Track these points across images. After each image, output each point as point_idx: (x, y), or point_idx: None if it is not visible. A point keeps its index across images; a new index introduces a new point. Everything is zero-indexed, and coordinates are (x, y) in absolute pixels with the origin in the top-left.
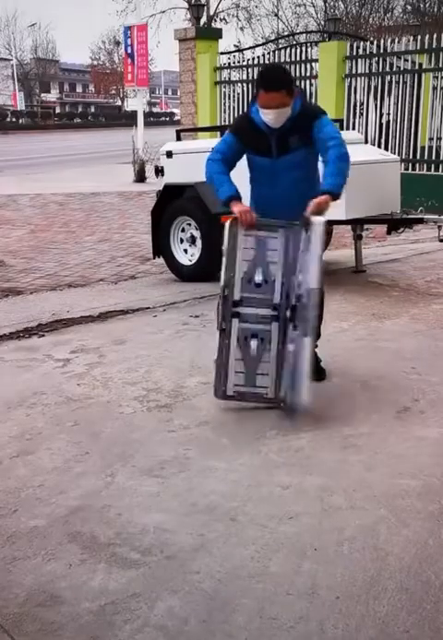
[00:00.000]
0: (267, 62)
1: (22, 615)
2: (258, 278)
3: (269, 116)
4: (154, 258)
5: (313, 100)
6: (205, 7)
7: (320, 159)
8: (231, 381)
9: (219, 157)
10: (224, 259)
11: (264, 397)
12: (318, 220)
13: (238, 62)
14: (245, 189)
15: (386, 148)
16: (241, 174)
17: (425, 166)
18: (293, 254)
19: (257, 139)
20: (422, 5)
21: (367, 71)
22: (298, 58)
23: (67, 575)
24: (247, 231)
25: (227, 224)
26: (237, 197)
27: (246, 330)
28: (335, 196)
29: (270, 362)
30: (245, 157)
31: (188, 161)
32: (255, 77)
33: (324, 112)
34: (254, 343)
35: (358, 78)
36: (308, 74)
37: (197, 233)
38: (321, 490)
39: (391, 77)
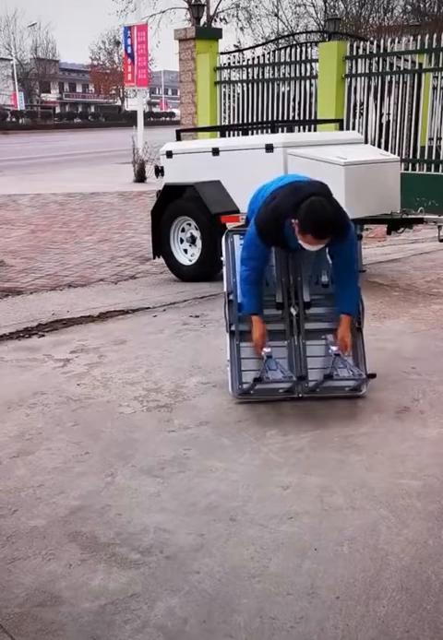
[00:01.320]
0: (267, 62)
1: (22, 615)
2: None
3: (311, 248)
4: (154, 258)
5: (313, 100)
6: (205, 7)
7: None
8: (244, 380)
9: (255, 265)
10: (224, 268)
11: (279, 391)
12: None
13: (238, 62)
14: (245, 189)
15: (386, 148)
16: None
17: (425, 166)
18: (295, 258)
19: (282, 244)
20: (422, 5)
21: (367, 71)
22: (298, 58)
23: (67, 575)
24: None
25: (224, 237)
26: (259, 314)
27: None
28: (353, 317)
29: (286, 358)
30: None
31: (188, 161)
32: (255, 78)
33: (349, 225)
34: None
35: (358, 78)
36: (308, 74)
37: (197, 233)
38: (321, 490)
39: (391, 77)
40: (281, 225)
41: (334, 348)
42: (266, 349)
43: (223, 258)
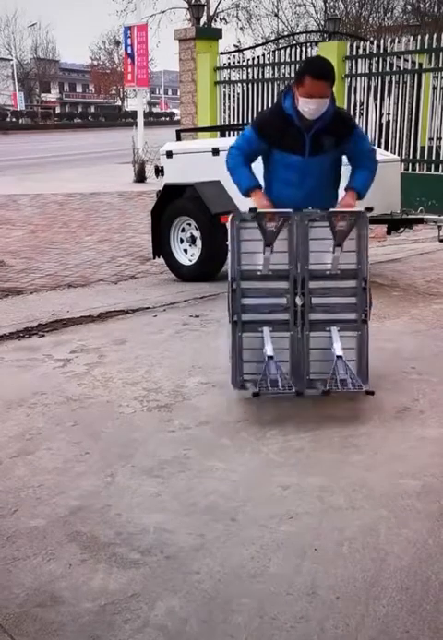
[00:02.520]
0: (267, 62)
1: (22, 615)
2: (265, 268)
3: (310, 105)
4: (154, 258)
5: None
6: (205, 7)
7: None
8: (245, 371)
9: (239, 153)
10: (229, 254)
11: (282, 386)
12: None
13: (238, 62)
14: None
15: (386, 148)
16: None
17: (425, 166)
18: (303, 244)
19: (289, 135)
20: (422, 5)
21: (367, 71)
22: (298, 58)
23: (67, 575)
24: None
25: (229, 219)
26: (258, 187)
27: (257, 321)
28: (360, 197)
29: (289, 350)
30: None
31: (188, 161)
32: (255, 78)
33: (352, 117)
34: (266, 331)
35: (358, 78)
36: None
37: (197, 233)
38: (321, 490)
39: (391, 77)
40: (281, 104)
41: (337, 346)
42: (268, 350)
43: (228, 242)
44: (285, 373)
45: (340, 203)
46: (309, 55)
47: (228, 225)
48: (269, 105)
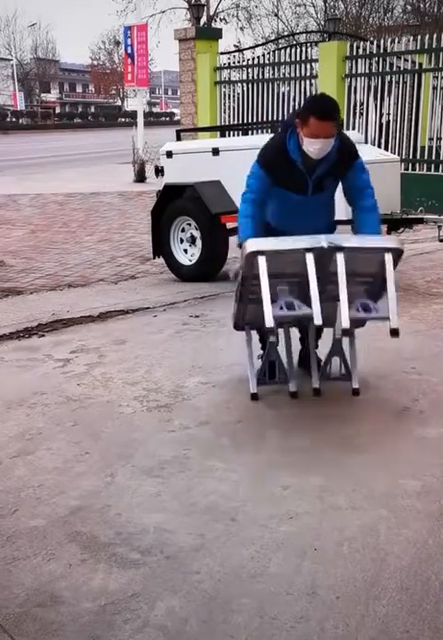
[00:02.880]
0: (267, 62)
1: (22, 615)
2: (286, 301)
3: (316, 145)
4: (154, 258)
5: None
6: (205, 7)
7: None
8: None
9: (254, 198)
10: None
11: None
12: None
13: (238, 62)
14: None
15: (386, 148)
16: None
17: (425, 166)
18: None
19: (292, 177)
20: (422, 5)
21: (367, 71)
22: (298, 58)
23: (67, 575)
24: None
25: (246, 253)
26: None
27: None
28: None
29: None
30: None
31: (188, 161)
32: (255, 78)
33: (357, 149)
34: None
35: (358, 78)
36: (308, 74)
37: (197, 233)
38: (321, 490)
39: (391, 77)
40: (285, 144)
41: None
42: (271, 338)
43: (239, 270)
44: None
45: None
46: (309, 55)
47: (243, 255)
48: (269, 105)
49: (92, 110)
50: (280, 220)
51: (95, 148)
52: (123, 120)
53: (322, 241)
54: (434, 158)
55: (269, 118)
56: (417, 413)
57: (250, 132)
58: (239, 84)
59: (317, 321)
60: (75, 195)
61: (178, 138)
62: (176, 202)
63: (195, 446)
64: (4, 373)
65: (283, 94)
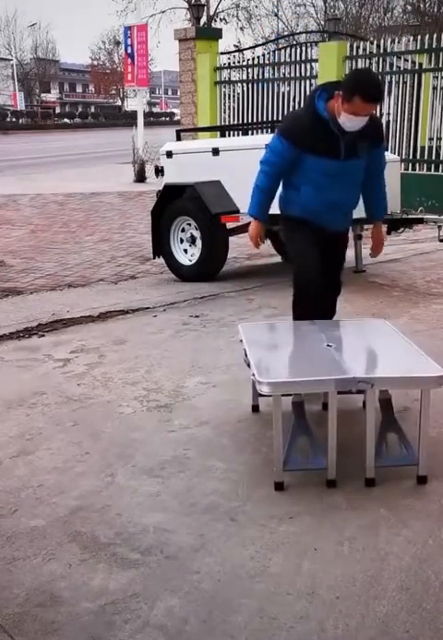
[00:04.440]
0: (267, 62)
1: (22, 615)
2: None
3: (354, 122)
4: (154, 258)
5: None
6: (205, 7)
7: None
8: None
9: (268, 170)
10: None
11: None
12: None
13: (238, 62)
14: (245, 189)
15: (386, 149)
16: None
17: (425, 166)
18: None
19: (324, 140)
20: (422, 5)
21: None
22: (298, 58)
23: (67, 575)
24: None
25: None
26: (261, 220)
27: None
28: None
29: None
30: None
31: (188, 161)
32: (255, 78)
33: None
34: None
35: None
36: (308, 74)
37: (197, 233)
38: (321, 490)
39: (391, 77)
40: (314, 108)
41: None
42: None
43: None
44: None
45: (372, 238)
46: (309, 55)
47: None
48: (269, 105)
49: (92, 110)
50: (309, 195)
51: (95, 148)
52: (123, 120)
53: (350, 372)
54: (434, 158)
55: (269, 118)
56: (417, 413)
57: (250, 132)
58: (239, 84)
59: (331, 476)
60: (75, 195)
61: (178, 138)
62: (176, 202)
63: (195, 446)
64: (4, 373)
65: (283, 94)
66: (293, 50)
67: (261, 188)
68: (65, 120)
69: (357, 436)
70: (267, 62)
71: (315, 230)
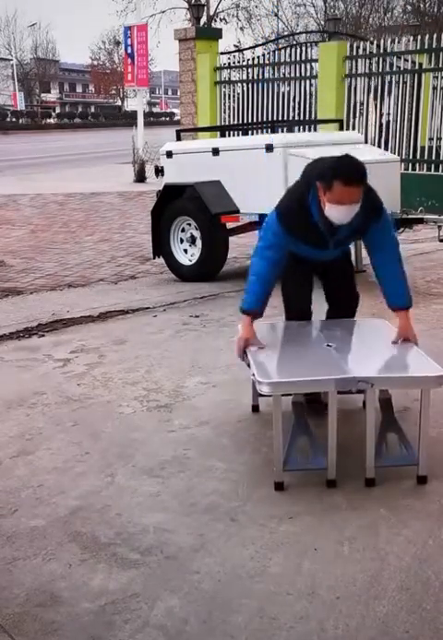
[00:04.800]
0: (267, 62)
1: (22, 615)
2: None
3: (340, 212)
4: (154, 258)
5: (313, 100)
6: (205, 7)
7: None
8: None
9: (269, 256)
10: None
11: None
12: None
13: (238, 62)
14: (245, 189)
15: (386, 148)
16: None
17: (424, 166)
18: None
19: (313, 236)
20: (422, 5)
21: (367, 71)
22: (298, 58)
23: (67, 575)
24: None
25: (261, 390)
26: (255, 316)
27: None
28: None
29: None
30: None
31: (188, 161)
32: (255, 78)
33: (381, 203)
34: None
35: (358, 78)
36: (308, 74)
37: (197, 233)
38: (321, 490)
39: (391, 77)
40: (306, 202)
41: None
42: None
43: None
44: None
45: (398, 332)
46: (309, 55)
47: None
48: (269, 105)
49: (92, 110)
50: (300, 257)
51: (95, 148)
52: (123, 120)
53: (350, 372)
54: (434, 158)
55: (269, 118)
56: (417, 413)
57: (250, 132)
58: (239, 84)
59: (331, 476)
60: (75, 195)
61: (178, 138)
62: (176, 202)
63: (195, 446)
64: (4, 373)
65: (283, 94)
66: (293, 50)
67: (261, 276)
68: (65, 120)
69: (357, 436)
70: (267, 62)
71: (307, 261)
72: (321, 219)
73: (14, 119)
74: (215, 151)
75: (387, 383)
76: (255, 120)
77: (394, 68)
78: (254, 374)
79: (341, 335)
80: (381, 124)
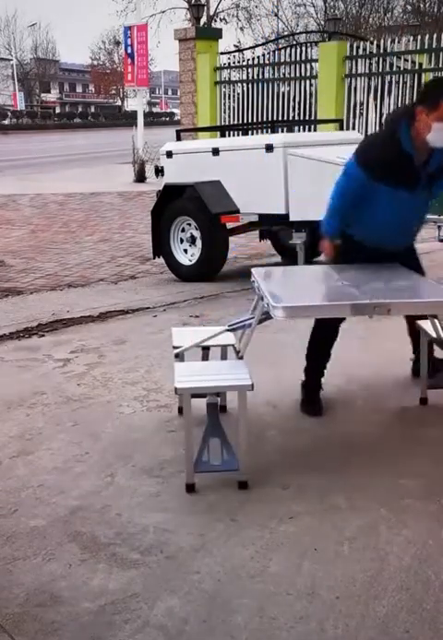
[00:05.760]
0: (267, 62)
1: (22, 615)
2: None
3: None
4: (154, 258)
5: (313, 100)
6: (205, 7)
7: None
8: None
9: (348, 196)
10: None
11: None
12: None
13: (238, 62)
14: (245, 189)
15: None
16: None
17: None
18: None
19: (404, 173)
20: (422, 5)
21: (367, 71)
22: (298, 58)
23: (67, 575)
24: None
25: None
26: (336, 239)
27: None
28: None
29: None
30: None
31: (188, 161)
32: (255, 78)
33: None
34: None
35: (358, 78)
36: (308, 74)
37: (197, 233)
38: (321, 490)
39: (391, 77)
40: (398, 140)
41: None
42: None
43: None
44: None
45: None
46: (309, 55)
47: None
48: (269, 105)
49: (92, 110)
50: (369, 228)
51: (95, 148)
52: (123, 120)
53: (366, 299)
54: None
55: (269, 118)
56: (417, 413)
57: (250, 132)
58: (239, 84)
59: (241, 478)
60: (75, 195)
61: (178, 138)
62: (176, 202)
63: (195, 446)
64: (4, 373)
65: (283, 94)
66: (293, 50)
67: (336, 209)
68: (65, 120)
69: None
70: (267, 62)
71: (370, 253)
72: (416, 148)
73: (14, 119)
74: (215, 151)
75: (403, 308)
76: (255, 120)
77: (394, 68)
78: (268, 303)
79: (357, 275)
80: (381, 124)
